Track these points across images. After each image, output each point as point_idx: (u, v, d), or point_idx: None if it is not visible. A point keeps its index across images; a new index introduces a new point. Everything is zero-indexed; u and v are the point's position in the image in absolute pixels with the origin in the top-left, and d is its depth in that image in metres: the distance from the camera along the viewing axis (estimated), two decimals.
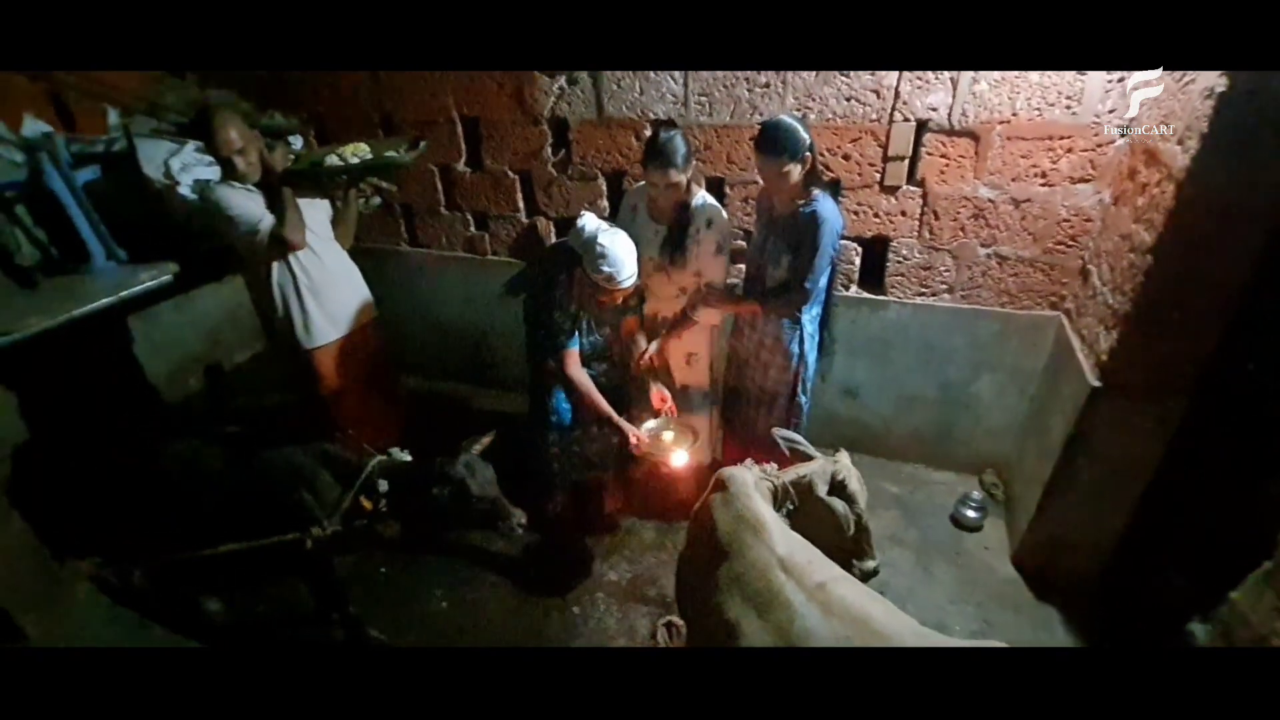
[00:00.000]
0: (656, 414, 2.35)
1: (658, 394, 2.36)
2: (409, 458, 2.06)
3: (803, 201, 2.05)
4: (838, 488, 1.74)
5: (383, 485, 1.98)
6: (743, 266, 2.52)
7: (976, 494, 2.69)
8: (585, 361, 2.30)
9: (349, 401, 2.68)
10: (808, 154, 1.96)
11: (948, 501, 2.76)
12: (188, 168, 2.69)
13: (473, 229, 3.25)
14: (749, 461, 1.78)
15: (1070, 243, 2.36)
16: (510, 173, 3.02)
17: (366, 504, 1.98)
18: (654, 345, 2.38)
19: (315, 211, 2.46)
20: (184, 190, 2.66)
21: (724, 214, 2.24)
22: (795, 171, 1.99)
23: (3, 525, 1.89)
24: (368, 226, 3.39)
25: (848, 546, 1.73)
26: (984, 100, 2.24)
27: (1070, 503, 2.24)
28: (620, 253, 1.99)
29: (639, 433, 2.26)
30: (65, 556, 1.95)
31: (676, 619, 2.22)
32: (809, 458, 1.82)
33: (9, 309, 2.19)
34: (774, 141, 1.98)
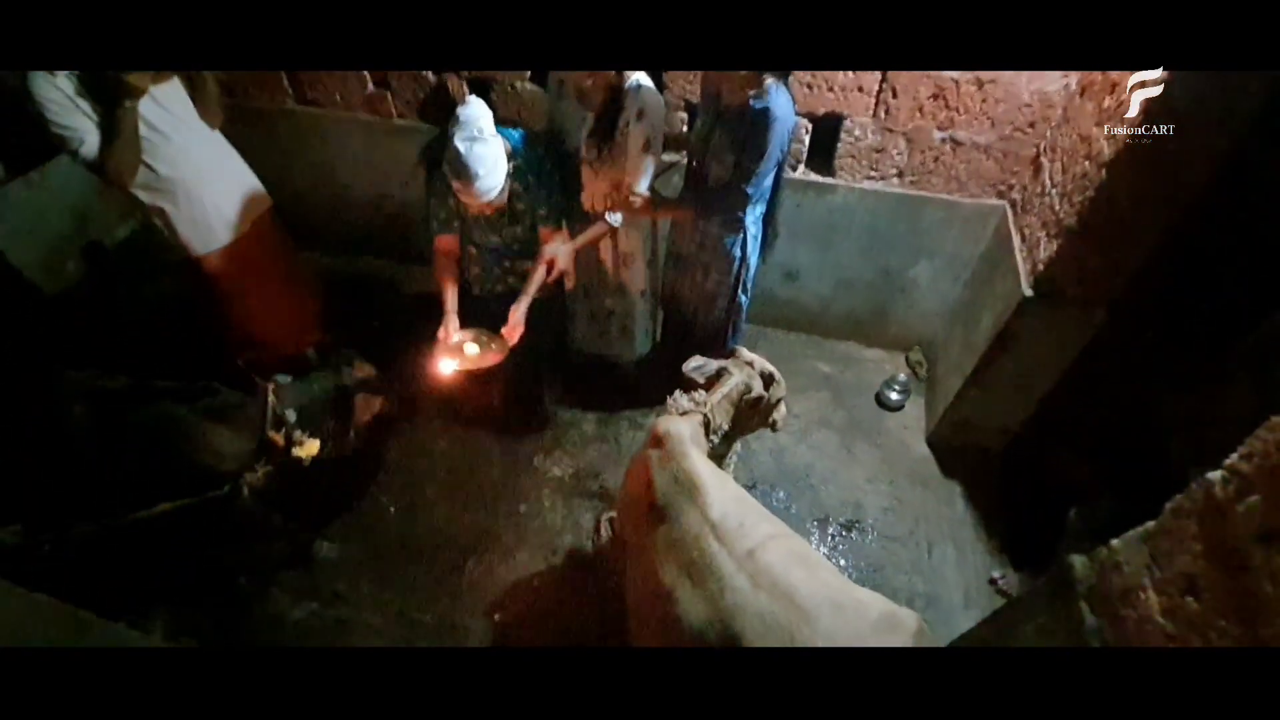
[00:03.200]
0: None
1: (512, 325, 2.11)
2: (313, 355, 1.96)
3: (754, 93, 1.81)
4: (767, 379, 1.86)
5: (290, 416, 1.91)
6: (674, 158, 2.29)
7: (902, 376, 2.82)
8: (498, 260, 2.21)
9: (254, 304, 2.45)
10: None
11: (875, 380, 2.89)
12: None
13: (371, 86, 2.78)
14: (677, 394, 1.77)
15: (1028, 129, 2.22)
16: None
17: (278, 438, 1.92)
18: (563, 249, 2.10)
19: (169, 90, 2.03)
20: None
21: (660, 101, 1.95)
22: None
23: None
24: (242, 81, 2.85)
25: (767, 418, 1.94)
26: None
27: (987, 393, 2.38)
28: (472, 164, 1.77)
29: (448, 332, 2.12)
30: None
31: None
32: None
33: None
34: None
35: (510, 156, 1.94)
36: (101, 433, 1.72)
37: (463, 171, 1.79)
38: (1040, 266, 2.02)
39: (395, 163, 2.94)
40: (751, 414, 1.89)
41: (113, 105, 1.85)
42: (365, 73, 2.73)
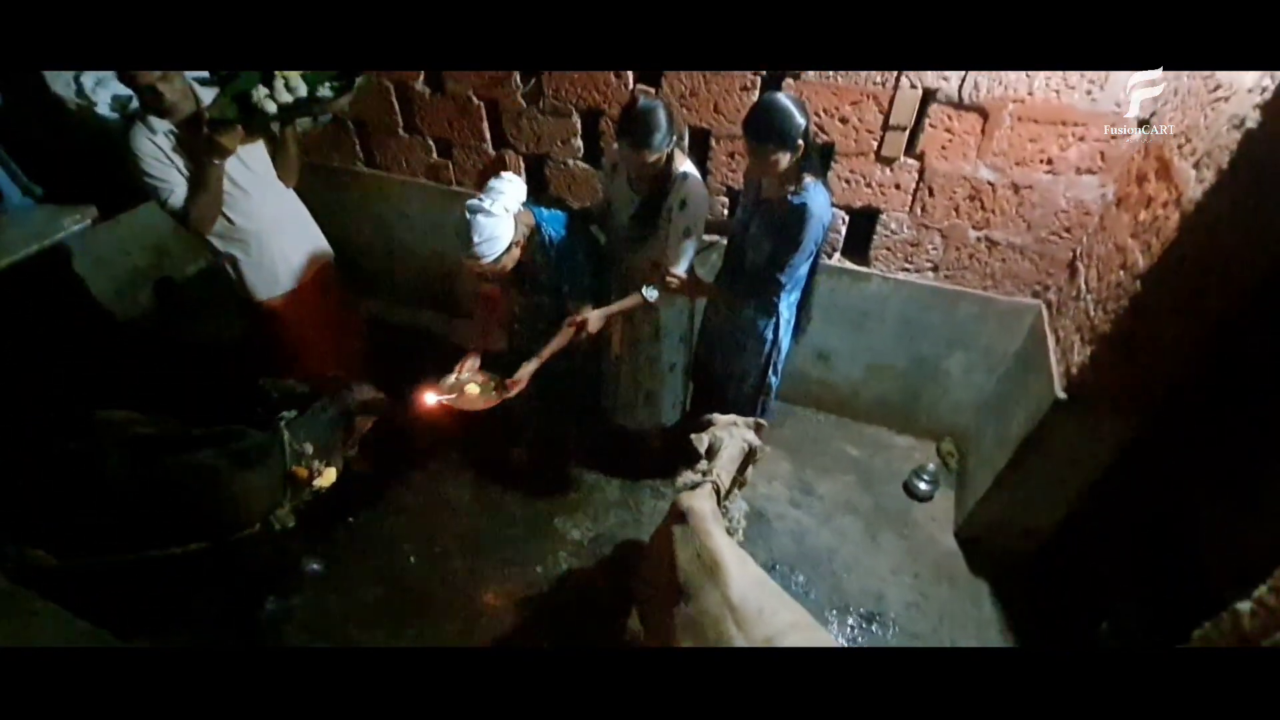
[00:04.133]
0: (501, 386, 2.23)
1: (515, 378, 2.19)
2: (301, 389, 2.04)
3: (793, 189, 1.90)
4: (756, 428, 1.98)
5: (308, 448, 1.97)
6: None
7: (932, 466, 2.78)
8: (533, 322, 2.28)
9: (306, 346, 2.59)
10: (801, 142, 1.78)
11: (904, 468, 2.85)
12: (103, 83, 2.37)
13: (435, 155, 2.98)
14: (683, 472, 1.81)
15: (1064, 234, 2.25)
16: (475, 98, 2.72)
17: (301, 471, 1.98)
18: (594, 314, 2.14)
19: (253, 149, 2.22)
20: (102, 110, 2.36)
21: (702, 194, 2.05)
22: (784, 160, 1.81)
23: None
24: (319, 143, 3.09)
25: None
26: (999, 74, 2.02)
27: (1018, 493, 2.33)
28: (469, 231, 1.86)
29: (462, 366, 2.23)
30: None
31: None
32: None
33: None
34: (763, 126, 1.79)
35: (535, 231, 2.05)
36: (135, 481, 1.78)
37: (460, 234, 1.89)
38: (1074, 370, 2.01)
39: (449, 223, 3.11)
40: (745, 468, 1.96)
41: (203, 162, 2.03)
42: (430, 141, 2.94)
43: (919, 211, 2.38)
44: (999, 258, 2.38)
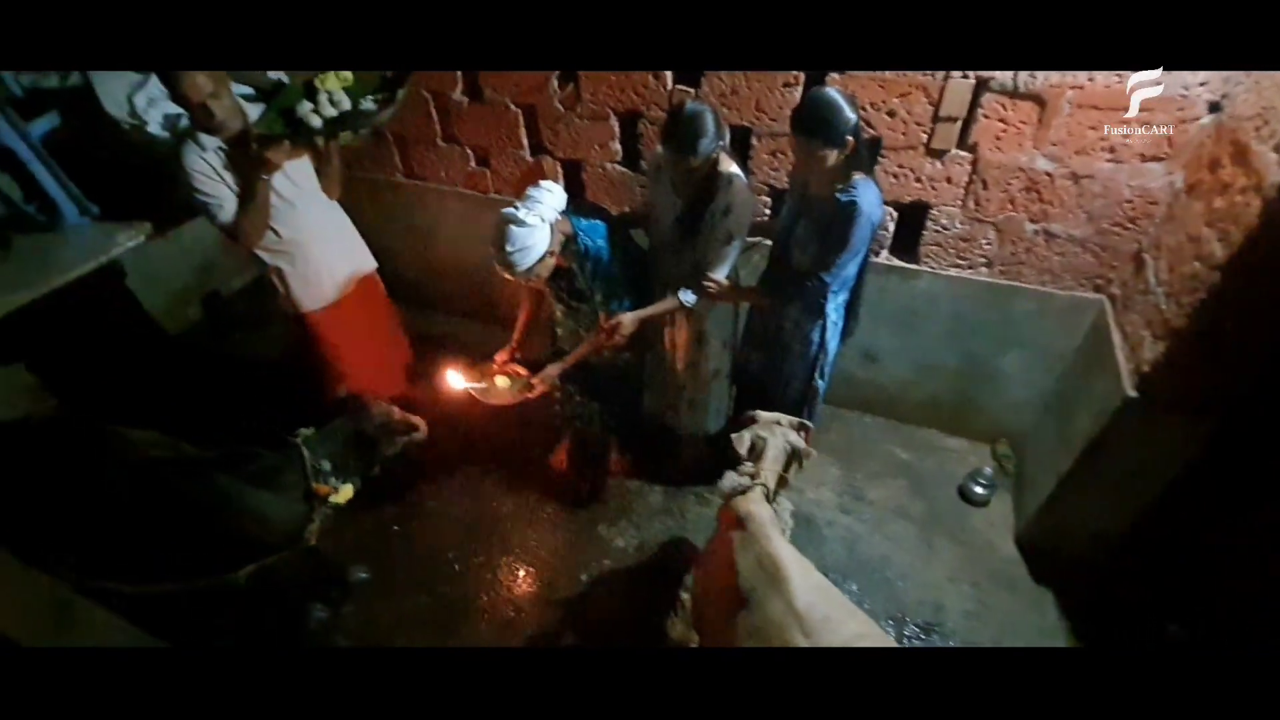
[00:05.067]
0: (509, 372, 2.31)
1: (540, 376, 2.24)
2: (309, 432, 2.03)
3: (841, 187, 1.84)
4: (798, 427, 1.91)
5: (325, 465, 1.97)
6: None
7: (988, 470, 2.68)
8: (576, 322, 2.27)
9: (352, 358, 2.61)
10: (850, 138, 1.73)
11: (957, 470, 2.75)
12: (155, 102, 2.41)
13: (473, 164, 2.99)
14: (727, 475, 1.76)
15: (1129, 225, 2.15)
16: (513, 106, 2.72)
17: (322, 489, 1.98)
18: (628, 316, 2.11)
19: (299, 164, 2.24)
20: (152, 128, 2.41)
21: (748, 198, 2.00)
22: (833, 156, 1.76)
23: None
24: (360, 156, 3.13)
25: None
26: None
27: (1085, 496, 2.23)
28: (500, 238, 1.87)
29: (500, 356, 2.30)
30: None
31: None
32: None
33: None
34: (811, 121, 1.74)
35: (572, 240, 2.03)
36: (145, 505, 1.75)
37: (494, 243, 1.90)
38: (1145, 368, 1.91)
39: (488, 232, 3.11)
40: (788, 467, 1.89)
41: (251, 177, 2.06)
42: (468, 150, 2.95)
43: (972, 205, 2.29)
44: (1057, 251, 2.28)
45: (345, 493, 2.04)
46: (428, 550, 2.55)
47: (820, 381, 2.27)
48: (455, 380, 2.18)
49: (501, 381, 2.26)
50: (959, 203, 2.31)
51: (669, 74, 2.39)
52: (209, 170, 2.04)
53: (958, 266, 2.45)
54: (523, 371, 2.31)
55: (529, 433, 2.86)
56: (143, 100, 2.39)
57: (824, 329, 2.12)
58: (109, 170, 2.40)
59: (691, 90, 2.39)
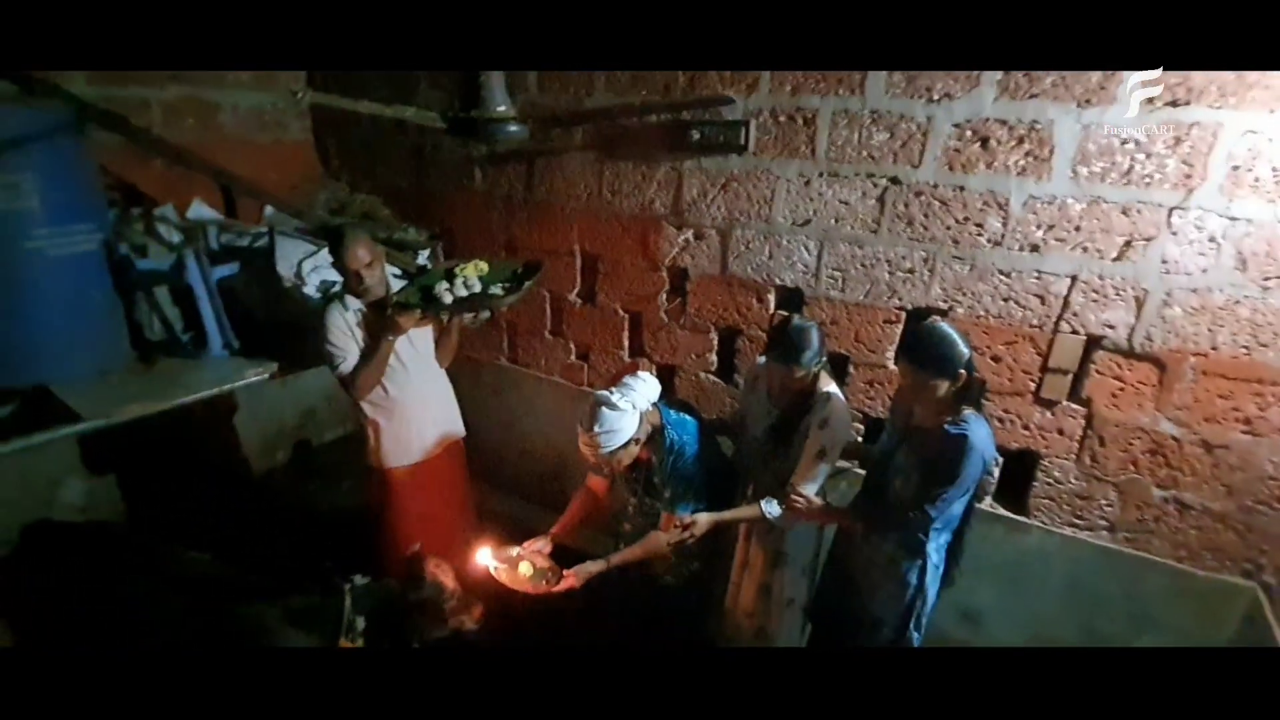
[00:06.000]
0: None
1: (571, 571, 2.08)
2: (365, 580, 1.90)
3: (950, 420, 1.78)
4: None
5: (360, 623, 1.82)
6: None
7: None
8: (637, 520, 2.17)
9: (416, 522, 2.55)
10: (963, 371, 1.71)
11: None
12: (318, 269, 2.79)
13: (573, 358, 3.17)
14: None
15: (1277, 504, 1.93)
16: (621, 311, 2.94)
17: (346, 644, 1.81)
18: (704, 516, 1.99)
19: (421, 331, 2.43)
20: (308, 289, 2.74)
21: (845, 416, 1.98)
22: (943, 388, 1.73)
23: None
24: (474, 336, 3.40)
25: None
26: (1175, 326, 1.92)
27: None
28: (590, 418, 1.89)
29: (532, 544, 2.18)
30: None
31: None
32: None
33: (119, 390, 2.25)
34: (924, 352, 1.74)
35: (659, 432, 2.01)
36: (179, 623, 1.75)
37: (583, 420, 1.91)
38: None
39: (573, 423, 3.19)
40: None
41: (379, 337, 2.24)
42: (571, 344, 3.15)
43: (1087, 460, 2.15)
44: (1192, 524, 2.05)
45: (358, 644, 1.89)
46: None
47: (915, 633, 1.99)
48: (483, 557, 2.09)
49: (524, 568, 2.12)
50: (1072, 455, 2.18)
51: (771, 296, 2.54)
52: (344, 326, 2.25)
53: (1074, 525, 2.23)
54: (548, 563, 2.17)
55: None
56: (309, 266, 2.76)
57: (923, 570, 1.91)
58: (261, 316, 2.70)
59: (794, 316, 2.51)
